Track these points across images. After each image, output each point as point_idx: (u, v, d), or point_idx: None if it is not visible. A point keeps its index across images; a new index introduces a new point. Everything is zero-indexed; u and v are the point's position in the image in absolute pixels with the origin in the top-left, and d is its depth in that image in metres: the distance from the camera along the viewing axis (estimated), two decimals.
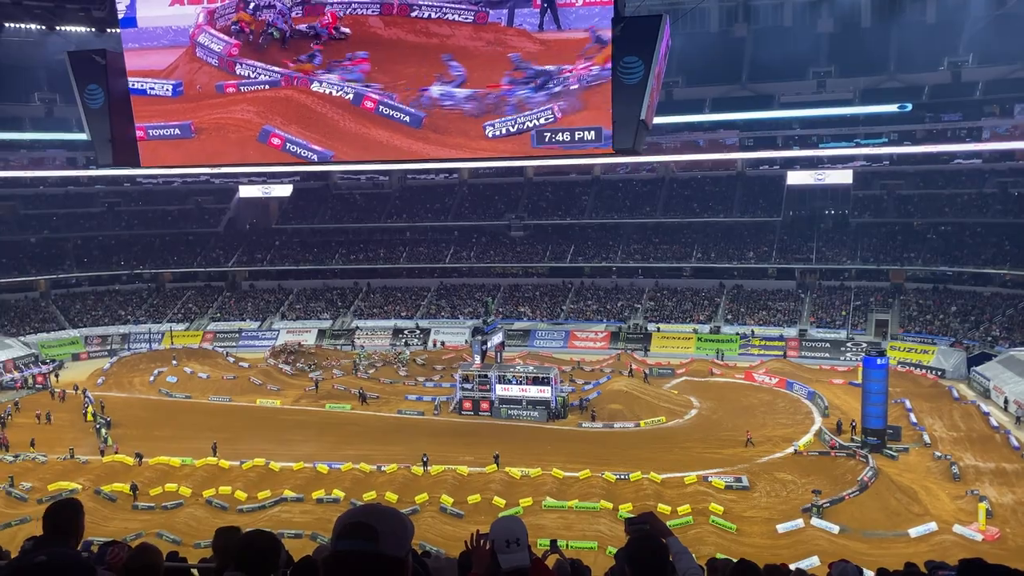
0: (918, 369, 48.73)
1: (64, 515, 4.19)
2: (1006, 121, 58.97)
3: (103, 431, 40.92)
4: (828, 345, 53.85)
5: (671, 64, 19.21)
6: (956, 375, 47.75)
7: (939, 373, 48.03)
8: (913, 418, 39.24)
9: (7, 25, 62.07)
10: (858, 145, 62.12)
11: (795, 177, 63.72)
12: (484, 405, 42.97)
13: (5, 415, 43.58)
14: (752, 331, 56.16)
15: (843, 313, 56.47)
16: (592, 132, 17.95)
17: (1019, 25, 53.32)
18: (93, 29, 62.06)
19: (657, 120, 19.08)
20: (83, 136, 22.92)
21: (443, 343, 59.81)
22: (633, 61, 17.01)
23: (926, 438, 36.56)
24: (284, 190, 74.50)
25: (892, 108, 60.03)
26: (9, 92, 67.19)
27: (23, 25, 61.30)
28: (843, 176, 62.63)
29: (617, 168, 69.59)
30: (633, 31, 17.18)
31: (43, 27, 64.21)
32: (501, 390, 42.74)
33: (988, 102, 58.65)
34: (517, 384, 42.71)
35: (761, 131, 65.00)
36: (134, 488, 32.27)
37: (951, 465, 32.73)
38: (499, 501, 30.71)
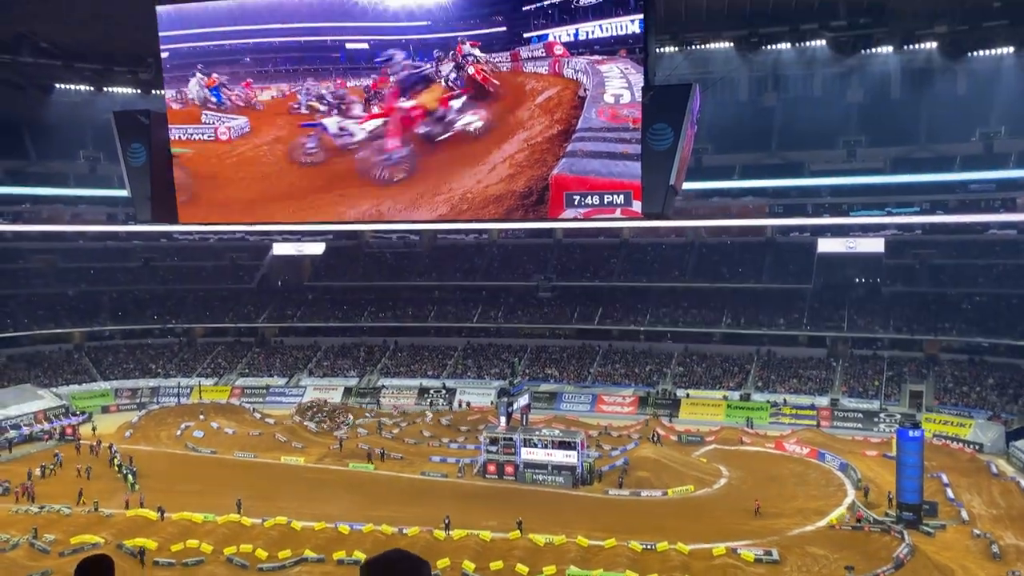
0: (955, 443, 47.43)
1: (95, 572, 4.22)
2: None
3: (130, 477, 41.46)
4: (861, 416, 52.73)
5: (700, 131, 19.40)
6: (994, 450, 46.38)
7: (977, 447, 46.70)
8: (950, 493, 38.06)
9: (58, 86, 64.69)
10: (889, 214, 61.82)
11: (826, 244, 63.41)
12: (509, 469, 42.44)
13: (46, 468, 43.72)
14: (784, 399, 55.22)
15: (876, 383, 55.41)
16: (621, 196, 18.12)
17: None
18: (139, 90, 63.98)
19: (686, 186, 19.18)
20: (123, 193, 23.55)
21: (469, 404, 59.49)
22: (663, 128, 17.25)
23: (964, 515, 35.38)
24: (317, 248, 75.60)
25: (923, 177, 59.96)
26: (56, 150, 69.55)
27: (73, 86, 63.78)
28: (875, 244, 62.20)
29: (646, 231, 69.73)
30: (663, 99, 17.45)
31: (92, 88, 66.36)
32: (526, 454, 42.24)
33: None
34: (543, 448, 42.20)
35: (791, 198, 65.01)
36: (141, 553, 31.60)
37: (991, 544, 31.56)
38: (522, 568, 30.08)
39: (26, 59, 55.50)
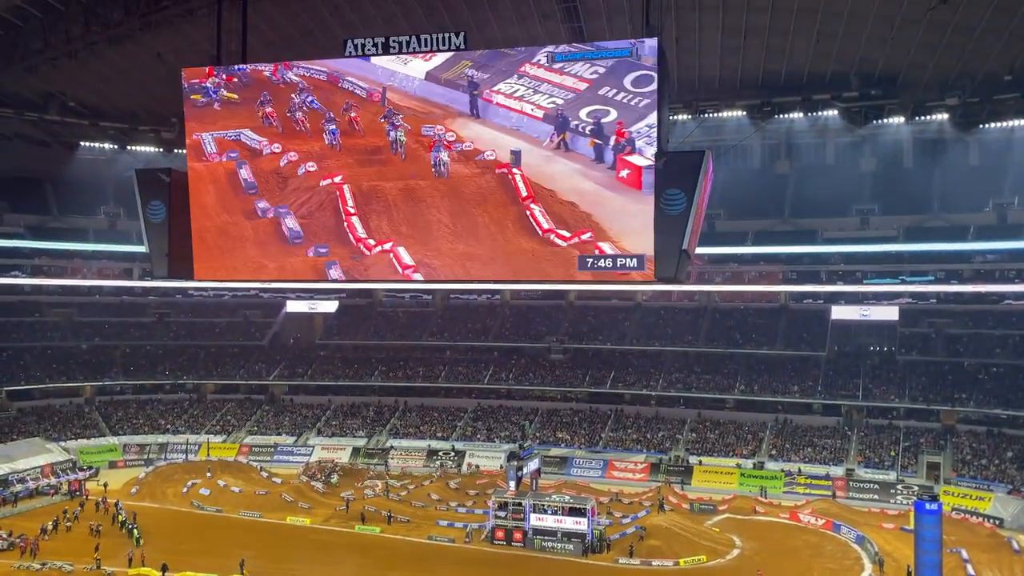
0: (974, 517, 46.31)
1: None
2: None
3: (135, 531, 41.09)
4: (877, 487, 51.67)
5: (713, 197, 19.34)
6: (1015, 525, 45.20)
7: (997, 522, 45.54)
8: (971, 570, 36.97)
9: (83, 143, 66.17)
10: (903, 282, 61.67)
11: (840, 312, 63.13)
12: (517, 535, 41.67)
13: (58, 523, 43.17)
14: (798, 468, 54.26)
15: (892, 453, 54.44)
16: (635, 259, 18.16)
17: None
18: (161, 149, 65.36)
19: (700, 250, 19.20)
20: (141, 248, 23.71)
21: (478, 467, 58.74)
22: (676, 194, 17.39)
23: None
24: (330, 306, 75.95)
25: (937, 246, 60.01)
26: (78, 205, 70.99)
27: (98, 144, 65.28)
28: (889, 312, 61.88)
29: (659, 295, 69.71)
30: (676, 165, 17.64)
31: (116, 146, 67.94)
32: (536, 520, 41.51)
33: None
34: (552, 514, 41.48)
35: (804, 265, 65.01)
36: None
37: None
38: None
39: (53, 117, 57.01)
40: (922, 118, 52.76)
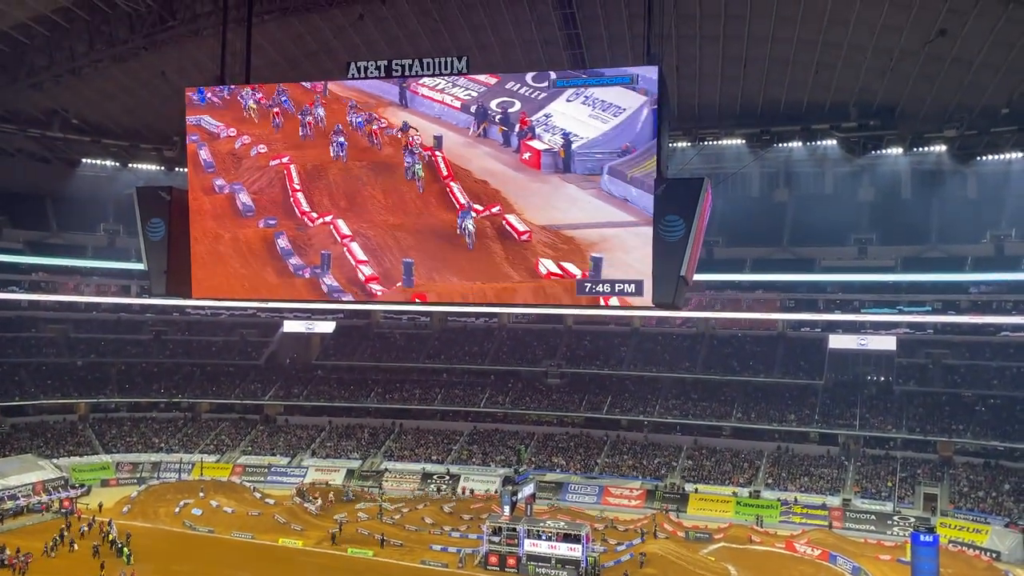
0: (971, 549, 46.00)
1: None
2: None
3: (125, 549, 40.73)
4: (873, 517, 51.35)
5: (712, 224, 19.48)
6: (1012, 559, 44.90)
7: (994, 555, 45.24)
8: None
9: (84, 160, 66.48)
10: (901, 312, 61.69)
11: (837, 341, 63.10)
12: (511, 560, 41.31)
13: (57, 542, 42.73)
14: (795, 498, 53.95)
15: (889, 484, 54.18)
16: (633, 285, 18.18)
17: None
18: (162, 167, 65.67)
19: (698, 277, 19.24)
20: (139, 266, 23.74)
21: (472, 491, 58.38)
22: (674, 220, 17.44)
23: None
24: (327, 327, 75.82)
25: (935, 277, 60.16)
26: (77, 222, 71.08)
27: (99, 161, 65.58)
28: (886, 342, 61.87)
29: (656, 321, 69.70)
30: (675, 192, 17.70)
31: (117, 164, 68.24)
32: (530, 545, 41.17)
33: None
34: (547, 540, 41.15)
35: (802, 293, 65.08)
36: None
37: None
38: None
39: (56, 134, 57.29)
40: (920, 149, 53.13)
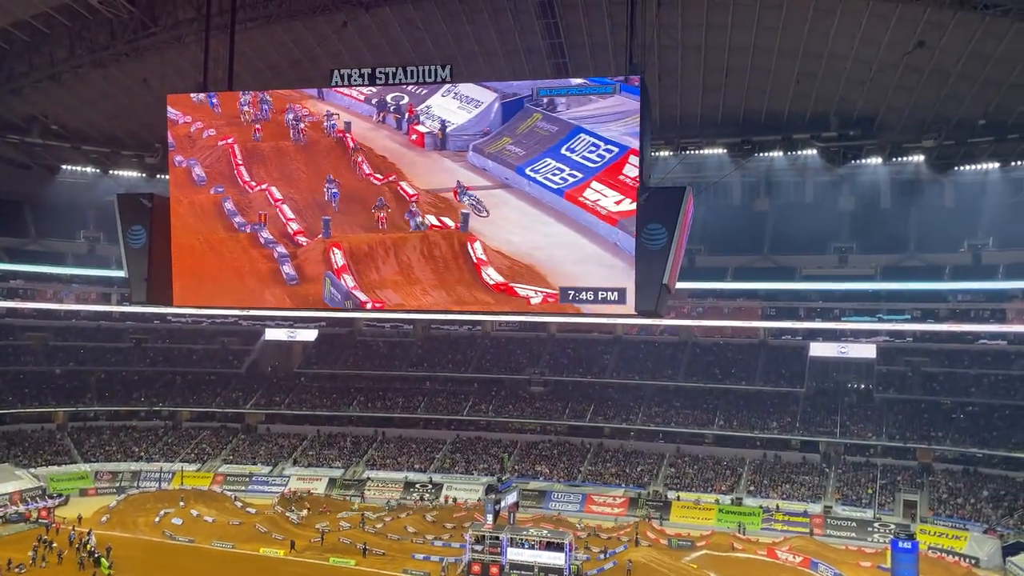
0: (950, 556, 46.38)
1: None
2: None
3: (103, 559, 40.24)
4: (854, 524, 51.67)
5: (694, 232, 19.91)
6: (990, 565, 45.34)
7: (973, 561, 45.63)
8: None
9: (64, 167, 65.89)
10: (880, 320, 62.28)
11: (818, 349, 63.58)
12: (494, 569, 41.12)
13: (34, 551, 41.98)
14: (776, 505, 54.20)
15: (869, 491, 54.55)
16: (616, 292, 18.29)
17: None
18: (144, 174, 65.19)
19: (680, 285, 19.41)
20: (119, 273, 23.83)
21: (455, 500, 58.22)
22: (656, 228, 17.57)
23: None
24: (309, 335, 75.44)
25: (914, 286, 60.81)
26: (57, 229, 70.41)
27: (80, 167, 65.03)
28: (866, 350, 62.40)
29: (639, 329, 69.93)
30: (658, 200, 17.84)
31: (98, 170, 67.70)
32: (513, 554, 41.04)
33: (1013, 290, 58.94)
34: (530, 548, 41.06)
35: (783, 301, 65.56)
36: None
37: None
38: None
39: (35, 140, 56.80)
40: (899, 159, 53.72)
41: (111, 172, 62.97)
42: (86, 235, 72.19)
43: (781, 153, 53.81)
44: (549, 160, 17.00)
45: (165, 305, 22.30)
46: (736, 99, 49.64)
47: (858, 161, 53.92)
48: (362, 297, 17.94)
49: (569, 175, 16.79)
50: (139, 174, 61.96)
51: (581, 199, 16.63)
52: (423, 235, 17.49)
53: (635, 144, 16.87)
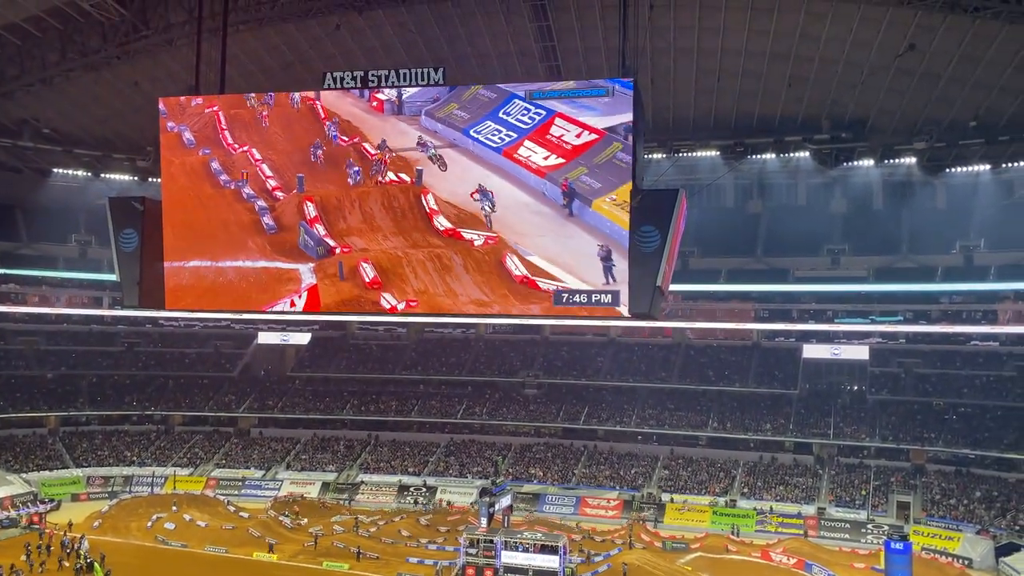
0: (943, 557, 46.50)
1: None
2: (1021, 305, 59.12)
3: (96, 565, 40.00)
4: (848, 526, 51.78)
5: (687, 234, 19.98)
6: (984, 565, 45.46)
7: (966, 562, 45.75)
8: None
9: (56, 170, 65.62)
10: (873, 322, 62.43)
11: (811, 350, 63.71)
12: (488, 573, 41.06)
13: (27, 557, 41.66)
14: (770, 507, 54.26)
15: (863, 492, 54.67)
16: (609, 295, 18.31)
17: None
18: (136, 177, 65.01)
19: (673, 287, 19.44)
20: (111, 277, 23.87)
21: (449, 503, 58.12)
22: (650, 230, 17.59)
23: None
24: (302, 338, 75.28)
25: (906, 287, 60.99)
26: (49, 232, 69.99)
27: (71, 171, 64.78)
28: (859, 352, 62.56)
29: (633, 331, 69.99)
30: (651, 202, 17.85)
31: (89, 173, 67.44)
32: (507, 557, 40.98)
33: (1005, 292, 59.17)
34: (524, 552, 41.01)
35: (776, 303, 65.67)
36: None
37: None
38: None
39: (26, 143, 56.55)
40: (891, 161, 53.95)
41: (102, 175, 62.73)
42: (77, 239, 71.85)
43: (774, 155, 53.97)
44: (489, 122, 18.76)
45: (157, 309, 22.36)
46: (729, 102, 49.77)
47: (850, 163, 54.14)
48: (331, 243, 19.35)
49: (506, 135, 18.62)
50: (131, 177, 61.76)
51: (516, 156, 18.41)
52: (383, 189, 18.93)
53: (561, 108, 18.32)
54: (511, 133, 18.46)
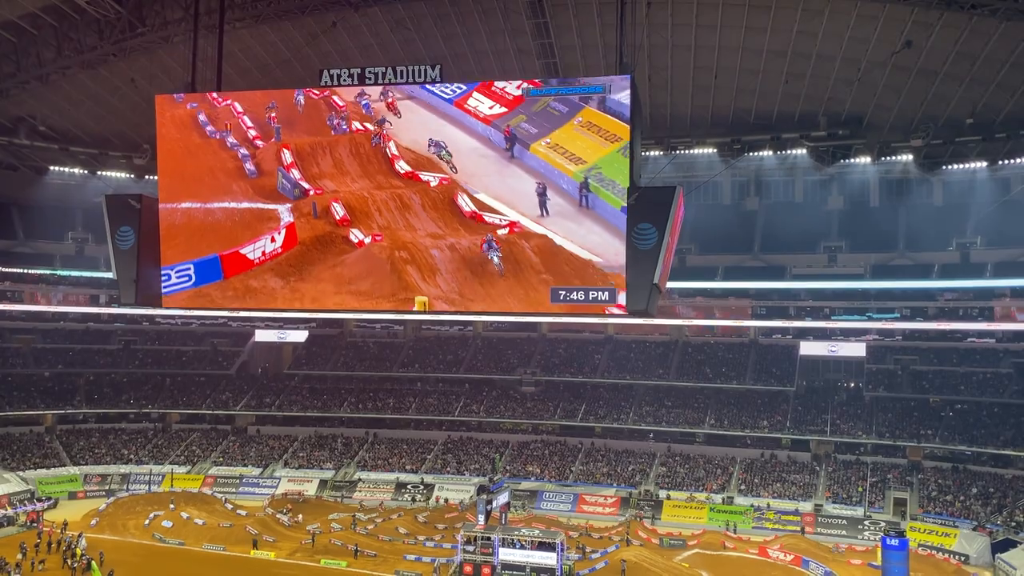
0: (940, 553, 46.60)
1: None
2: (1017, 302, 59.22)
3: (93, 563, 40.08)
4: (845, 522, 51.88)
5: (684, 232, 20.24)
6: (980, 562, 45.58)
7: (962, 558, 45.88)
8: None
9: (52, 168, 65.40)
10: (870, 319, 62.49)
11: (808, 347, 63.75)
12: (486, 570, 41.11)
13: (23, 553, 41.54)
14: (767, 504, 54.35)
15: (860, 489, 54.78)
16: (606, 292, 18.36)
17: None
18: (132, 175, 64.86)
19: (670, 284, 19.48)
20: (108, 275, 24.03)
21: (446, 500, 58.15)
22: (647, 228, 17.64)
23: None
24: (299, 336, 75.17)
25: (903, 284, 61.06)
26: (45, 230, 69.98)
27: (67, 168, 64.55)
28: (856, 349, 62.58)
29: (630, 328, 70.00)
30: (648, 200, 17.90)
31: (86, 171, 67.23)
32: (504, 554, 41.02)
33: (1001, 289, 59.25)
34: (521, 549, 41.05)
35: (773, 300, 65.70)
36: None
37: None
38: None
39: (23, 141, 56.37)
40: (888, 159, 53.91)
41: (99, 173, 62.55)
42: (74, 236, 71.79)
43: (770, 153, 53.92)
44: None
45: (154, 306, 22.48)
46: (726, 99, 49.73)
47: (847, 160, 54.08)
48: (306, 186, 20.89)
49: (456, 87, 20.41)
50: (127, 175, 61.58)
51: (465, 106, 20.10)
52: (351, 137, 20.48)
53: None
54: (461, 85, 20.43)
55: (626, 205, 17.96)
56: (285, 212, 20.87)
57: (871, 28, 40.04)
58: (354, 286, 20.18)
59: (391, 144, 20.22)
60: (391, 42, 45.48)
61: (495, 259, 19.29)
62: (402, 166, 20.13)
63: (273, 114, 21.56)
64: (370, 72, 20.50)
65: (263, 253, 20.92)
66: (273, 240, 20.87)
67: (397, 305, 20.05)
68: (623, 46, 18.99)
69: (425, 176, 20.09)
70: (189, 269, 21.36)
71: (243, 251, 21.05)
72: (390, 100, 20.56)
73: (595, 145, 18.38)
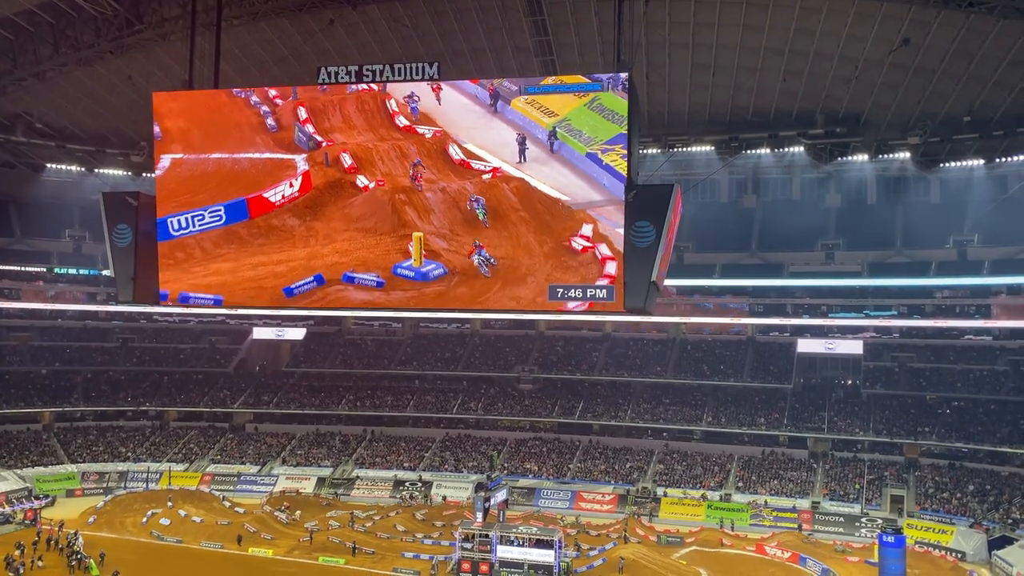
0: (937, 550, 46.72)
1: None
2: (1014, 300, 59.31)
3: (91, 562, 40.00)
4: (842, 520, 51.97)
5: (682, 229, 20.53)
6: (977, 559, 45.69)
7: (959, 555, 45.99)
8: None
9: (49, 165, 65.32)
10: (867, 316, 62.56)
11: (805, 345, 63.81)
12: (484, 567, 41.19)
13: (20, 551, 41.53)
14: (765, 501, 54.44)
15: (857, 486, 54.89)
16: (604, 290, 18.42)
17: (1021, 209, 55.05)
18: (130, 172, 64.77)
19: (668, 282, 19.51)
20: (106, 272, 24.32)
21: (444, 498, 58.19)
22: (645, 226, 17.68)
23: None
24: (297, 333, 75.09)
25: (900, 282, 61.12)
26: (42, 228, 69.84)
27: (65, 166, 64.45)
28: (853, 346, 62.66)
29: (628, 326, 70.05)
30: (646, 198, 17.95)
31: (83, 168, 67.13)
32: (502, 552, 41.09)
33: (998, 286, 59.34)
34: (519, 546, 41.12)
35: (770, 298, 65.75)
36: None
37: None
38: None
39: (19, 138, 56.28)
40: (885, 156, 53.98)
41: (96, 170, 62.48)
42: (71, 234, 71.66)
43: (768, 150, 53.99)
44: None
45: (152, 304, 22.67)
46: (723, 97, 49.76)
47: (844, 158, 54.14)
48: (319, 139, 22.65)
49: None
50: (125, 172, 61.52)
51: None
52: (357, 95, 22.24)
53: None
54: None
55: (590, 152, 19.78)
56: (301, 161, 22.81)
57: (869, 26, 40.08)
58: (360, 224, 22.24)
59: (391, 102, 22.04)
60: (389, 39, 45.45)
61: (480, 214, 21.23)
62: (401, 121, 22.00)
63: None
64: (368, 69, 20.55)
65: (283, 196, 22.83)
66: (291, 185, 22.84)
67: (397, 241, 21.78)
68: (621, 43, 19.02)
69: (421, 129, 21.98)
70: (220, 210, 23.00)
71: (266, 195, 22.88)
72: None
73: (567, 100, 20.23)
